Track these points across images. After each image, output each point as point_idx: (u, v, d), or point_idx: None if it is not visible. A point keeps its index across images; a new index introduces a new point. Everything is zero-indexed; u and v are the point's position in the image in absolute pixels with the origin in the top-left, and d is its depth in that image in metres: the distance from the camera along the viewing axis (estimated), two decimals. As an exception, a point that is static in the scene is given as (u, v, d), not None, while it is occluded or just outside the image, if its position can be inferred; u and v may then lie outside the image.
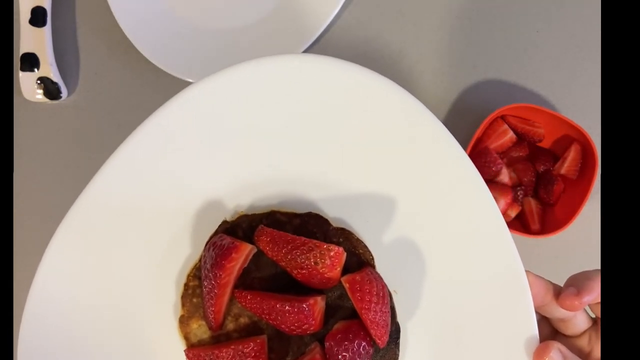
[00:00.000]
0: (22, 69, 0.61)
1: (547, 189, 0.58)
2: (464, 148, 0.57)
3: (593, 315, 0.36)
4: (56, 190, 0.63)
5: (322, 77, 0.32)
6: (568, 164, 0.58)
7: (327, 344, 0.31)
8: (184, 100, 0.32)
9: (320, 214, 0.34)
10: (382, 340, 0.31)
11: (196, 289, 0.34)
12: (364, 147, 0.33)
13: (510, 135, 0.59)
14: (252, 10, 0.62)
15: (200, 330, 0.33)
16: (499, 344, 0.33)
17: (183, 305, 0.34)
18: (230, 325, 0.33)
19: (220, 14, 0.63)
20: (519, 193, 0.59)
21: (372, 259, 0.34)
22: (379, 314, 0.31)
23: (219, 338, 0.33)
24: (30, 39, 0.61)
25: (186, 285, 0.34)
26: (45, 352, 0.33)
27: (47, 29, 0.62)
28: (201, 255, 0.33)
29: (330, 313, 0.33)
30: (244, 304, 0.32)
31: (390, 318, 0.32)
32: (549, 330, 0.36)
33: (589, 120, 0.61)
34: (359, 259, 0.34)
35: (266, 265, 0.33)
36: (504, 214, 0.58)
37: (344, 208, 0.34)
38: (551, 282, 0.34)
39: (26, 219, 0.63)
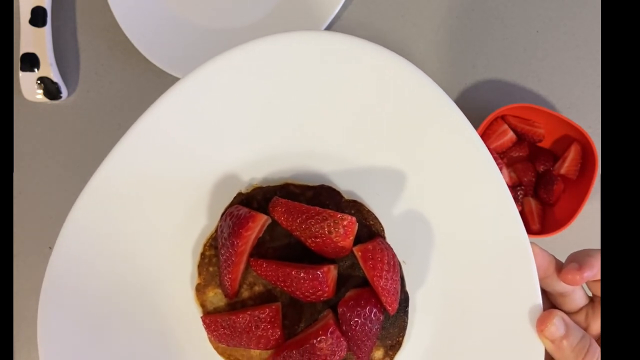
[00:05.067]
0: (22, 69, 0.61)
1: (547, 189, 0.58)
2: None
3: (590, 294, 0.37)
4: (56, 190, 0.63)
5: (335, 53, 0.33)
6: (568, 164, 0.58)
7: (340, 309, 0.32)
8: (202, 75, 0.33)
9: (333, 186, 0.35)
10: (392, 307, 0.32)
11: (212, 258, 0.34)
12: (375, 122, 0.34)
13: (510, 135, 0.59)
14: (252, 10, 0.62)
15: (216, 298, 0.34)
16: (503, 312, 0.33)
17: (199, 274, 0.34)
18: (245, 294, 0.34)
19: (220, 14, 0.63)
20: (519, 193, 0.59)
21: (383, 230, 0.35)
22: (389, 281, 0.32)
23: (235, 306, 0.34)
24: (30, 39, 0.61)
25: (202, 254, 0.35)
26: (65, 316, 0.34)
27: (47, 29, 0.62)
28: (217, 225, 0.33)
29: (342, 282, 0.34)
30: (259, 272, 0.32)
31: (400, 287, 0.33)
32: (548, 306, 0.36)
33: (589, 120, 0.61)
34: (369, 230, 0.35)
35: (280, 236, 0.34)
36: (504, 214, 0.58)
37: (355, 181, 0.35)
38: (554, 257, 0.35)
39: (26, 219, 0.63)
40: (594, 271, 0.32)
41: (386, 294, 0.32)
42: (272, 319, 0.32)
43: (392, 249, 0.34)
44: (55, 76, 0.61)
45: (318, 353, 0.31)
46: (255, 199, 0.35)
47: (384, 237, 0.35)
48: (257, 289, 0.34)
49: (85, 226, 0.33)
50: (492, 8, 0.63)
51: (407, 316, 0.35)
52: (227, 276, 0.33)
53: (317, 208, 0.32)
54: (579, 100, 0.62)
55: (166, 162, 0.34)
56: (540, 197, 0.59)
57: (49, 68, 0.61)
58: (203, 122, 0.34)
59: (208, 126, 0.34)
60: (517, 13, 0.63)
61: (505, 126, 0.58)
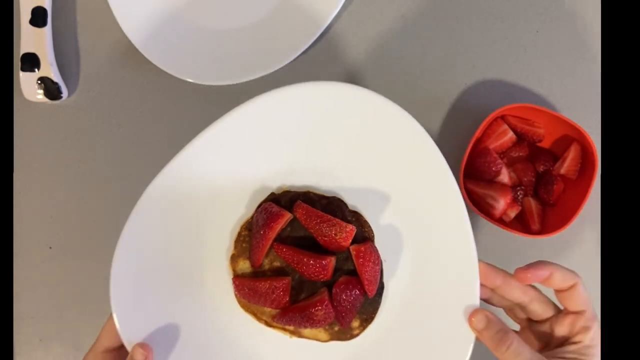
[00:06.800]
0: (23, 69, 0.61)
1: (547, 189, 0.58)
2: (464, 148, 0.58)
3: (560, 307, 0.43)
4: (56, 190, 0.63)
5: (343, 102, 0.44)
6: (568, 164, 0.58)
7: (334, 289, 0.43)
8: (250, 107, 0.44)
9: (341, 198, 0.47)
10: (371, 292, 0.44)
11: (246, 237, 0.46)
12: (370, 155, 0.46)
13: (510, 135, 0.59)
14: (252, 10, 0.62)
15: (244, 266, 0.46)
16: (450, 305, 0.44)
17: (235, 247, 0.46)
18: (266, 266, 0.46)
19: (220, 14, 0.63)
20: (518, 193, 0.59)
21: (373, 236, 0.46)
22: (372, 274, 0.44)
23: (257, 274, 0.46)
24: (30, 39, 0.61)
25: (239, 234, 0.47)
26: (133, 270, 0.44)
27: (47, 29, 0.62)
28: (253, 214, 0.46)
29: (337, 269, 0.45)
30: (279, 253, 0.44)
31: (379, 278, 0.45)
32: (525, 319, 0.45)
33: (589, 120, 0.62)
34: (363, 235, 0.46)
35: (298, 229, 0.45)
36: (504, 214, 0.58)
37: (356, 197, 0.47)
38: (501, 270, 0.43)
39: (26, 219, 0.63)
40: (542, 272, 0.40)
41: (368, 283, 0.43)
42: (284, 289, 0.43)
43: (377, 251, 0.45)
44: (55, 76, 0.61)
45: (314, 318, 0.43)
46: (283, 199, 0.46)
47: (373, 242, 0.46)
48: (275, 264, 0.45)
49: (156, 205, 0.44)
50: (492, 8, 0.63)
51: (380, 299, 0.46)
52: (256, 254, 0.44)
53: (329, 216, 0.43)
54: (579, 100, 0.62)
55: (220, 168, 0.45)
56: (540, 197, 0.59)
57: (49, 68, 0.61)
58: (249, 144, 0.46)
59: (253, 147, 0.46)
60: (517, 13, 0.63)
61: (505, 126, 0.58)
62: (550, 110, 0.56)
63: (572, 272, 0.41)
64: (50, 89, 0.61)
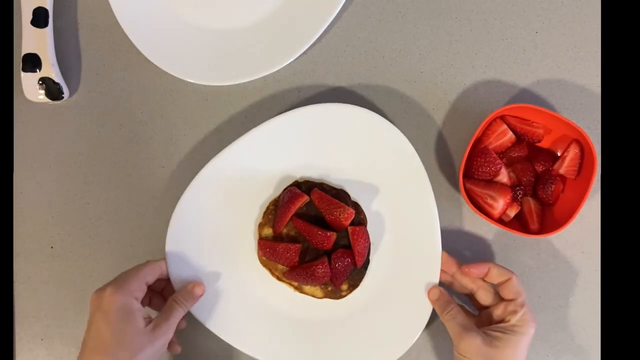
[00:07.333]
0: (24, 70, 0.61)
1: (546, 189, 0.58)
2: (464, 148, 0.58)
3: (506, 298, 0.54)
4: (57, 190, 0.64)
5: (348, 120, 0.59)
6: (567, 164, 0.58)
7: (332, 257, 0.56)
8: (282, 120, 0.59)
9: (346, 191, 0.60)
10: (359, 264, 0.57)
11: (272, 211, 0.60)
12: (364, 162, 0.60)
13: (510, 135, 0.59)
14: (252, 10, 0.63)
15: (268, 232, 0.60)
16: (416, 282, 0.58)
17: (263, 217, 0.60)
18: (284, 234, 0.59)
19: (220, 14, 0.63)
20: (518, 193, 0.59)
21: (367, 222, 0.60)
22: (362, 249, 0.57)
23: (276, 239, 0.59)
24: (31, 39, 0.61)
25: (267, 208, 0.60)
26: (184, 230, 0.59)
27: (48, 30, 0.62)
28: (281, 194, 0.59)
29: (336, 242, 0.57)
30: (296, 225, 0.58)
31: (367, 254, 0.58)
32: (479, 306, 0.57)
33: (588, 120, 0.62)
34: (359, 220, 0.59)
35: (312, 209, 0.58)
36: (503, 214, 0.58)
37: (356, 190, 0.61)
38: (458, 261, 0.57)
39: (26, 219, 0.63)
40: (482, 268, 0.54)
41: (358, 255, 0.56)
42: (295, 251, 0.56)
43: (368, 233, 0.58)
44: (56, 77, 0.62)
45: (314, 275, 0.55)
46: (303, 186, 0.59)
47: (366, 226, 0.59)
48: (291, 233, 0.59)
49: (208, 182, 0.59)
50: (492, 8, 0.63)
51: (365, 270, 0.59)
52: (278, 223, 0.58)
53: (336, 200, 0.57)
54: (578, 100, 0.62)
55: (259, 161, 0.60)
56: (539, 197, 0.59)
57: (50, 68, 0.61)
58: (282, 144, 0.60)
59: (285, 147, 0.60)
60: (516, 13, 0.63)
61: (505, 126, 0.59)
62: (550, 110, 0.56)
63: (508, 269, 0.53)
64: (52, 90, 0.61)
